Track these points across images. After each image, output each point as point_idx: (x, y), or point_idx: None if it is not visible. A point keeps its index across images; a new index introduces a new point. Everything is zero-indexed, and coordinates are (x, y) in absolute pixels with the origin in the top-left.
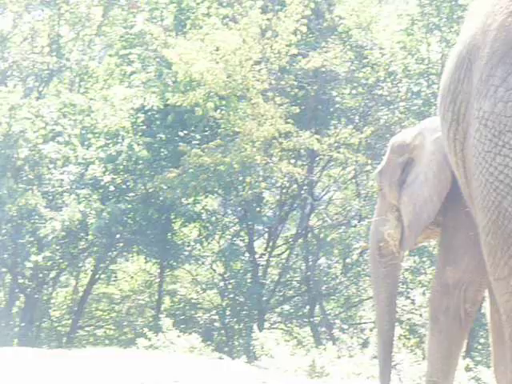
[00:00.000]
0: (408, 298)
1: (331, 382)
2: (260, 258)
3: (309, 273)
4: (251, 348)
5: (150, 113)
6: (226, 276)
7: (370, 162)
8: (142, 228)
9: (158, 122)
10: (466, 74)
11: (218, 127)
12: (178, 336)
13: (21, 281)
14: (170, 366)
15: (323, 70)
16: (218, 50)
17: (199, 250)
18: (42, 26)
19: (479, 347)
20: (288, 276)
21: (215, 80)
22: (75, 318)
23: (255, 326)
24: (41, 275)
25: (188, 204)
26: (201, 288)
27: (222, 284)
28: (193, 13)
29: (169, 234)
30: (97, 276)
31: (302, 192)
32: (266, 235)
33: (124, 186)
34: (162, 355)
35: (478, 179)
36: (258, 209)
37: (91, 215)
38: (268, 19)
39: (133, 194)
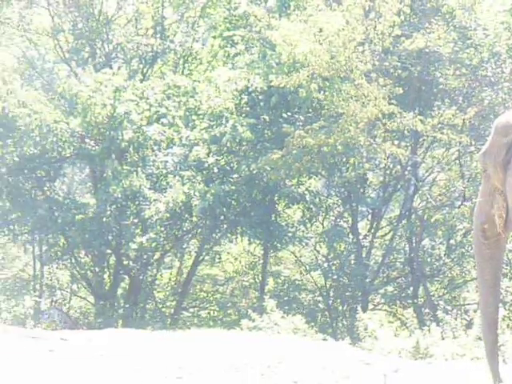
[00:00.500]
0: None
1: (435, 363)
2: (364, 239)
3: (412, 254)
4: (355, 329)
5: (253, 94)
6: (329, 257)
7: (473, 142)
8: (245, 209)
9: (261, 104)
10: None
11: (321, 108)
12: (282, 317)
13: (125, 262)
14: (274, 347)
15: (427, 50)
16: (321, 31)
17: (303, 231)
18: (146, 8)
19: None
20: (391, 257)
21: (319, 61)
22: (179, 300)
23: (359, 308)
24: (145, 257)
25: (292, 185)
26: (304, 269)
27: (325, 265)
28: None
29: (272, 216)
30: (201, 257)
31: (406, 173)
32: (370, 216)
33: (228, 168)
34: (265, 336)
35: None
36: (361, 190)
37: (195, 197)
38: (371, 0)
39: (237, 176)
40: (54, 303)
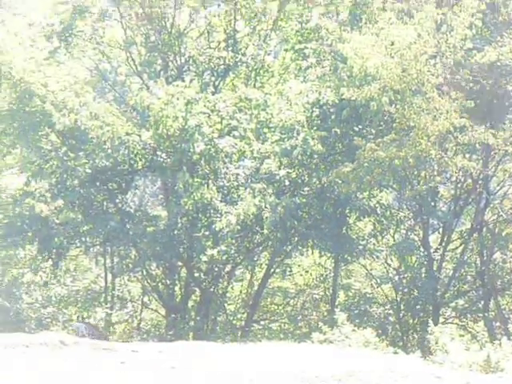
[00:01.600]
0: None
1: (506, 377)
2: (435, 252)
3: (483, 267)
4: (426, 343)
5: (325, 107)
6: (400, 270)
7: None
8: (316, 222)
9: (332, 117)
10: None
11: (392, 121)
12: (353, 330)
13: (196, 275)
14: (345, 360)
15: (498, 64)
16: (392, 44)
17: (374, 244)
18: (218, 21)
19: None
20: (462, 271)
21: (390, 74)
22: (250, 312)
23: (430, 321)
24: (216, 269)
25: (363, 198)
26: (375, 282)
27: (396, 278)
28: (368, 7)
29: (343, 229)
30: (272, 270)
31: (477, 186)
32: (441, 230)
33: (299, 181)
34: (336, 349)
35: None
36: (432, 203)
37: (266, 209)
38: (443, 13)
39: (308, 189)
40: (81, 318)
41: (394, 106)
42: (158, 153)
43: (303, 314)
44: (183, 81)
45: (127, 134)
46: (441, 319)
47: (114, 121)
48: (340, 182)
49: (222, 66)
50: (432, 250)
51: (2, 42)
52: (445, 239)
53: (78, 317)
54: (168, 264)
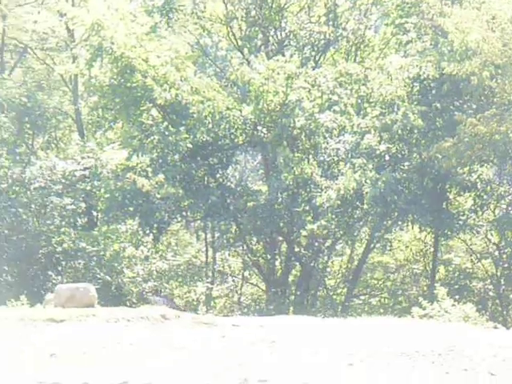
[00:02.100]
0: None
1: None
2: None
3: None
4: None
5: (425, 82)
6: (500, 245)
7: None
8: (416, 197)
9: (433, 91)
10: None
11: (493, 96)
12: (453, 305)
13: (296, 249)
14: (445, 335)
15: None
16: (494, 18)
17: (474, 219)
18: None
19: None
20: None
21: (491, 49)
22: (350, 287)
23: None
24: (316, 244)
25: (463, 173)
26: (475, 257)
27: (496, 253)
28: None
29: (443, 204)
30: (372, 245)
31: None
32: None
33: (399, 155)
34: (436, 324)
35: None
36: None
37: (366, 184)
38: None
39: (408, 163)
40: (158, 291)
41: (494, 80)
42: (259, 127)
43: (403, 288)
44: (284, 55)
45: (228, 108)
46: None
47: (215, 95)
48: (440, 156)
49: (323, 41)
50: None
51: (103, 18)
52: None
53: (156, 291)
54: (268, 238)
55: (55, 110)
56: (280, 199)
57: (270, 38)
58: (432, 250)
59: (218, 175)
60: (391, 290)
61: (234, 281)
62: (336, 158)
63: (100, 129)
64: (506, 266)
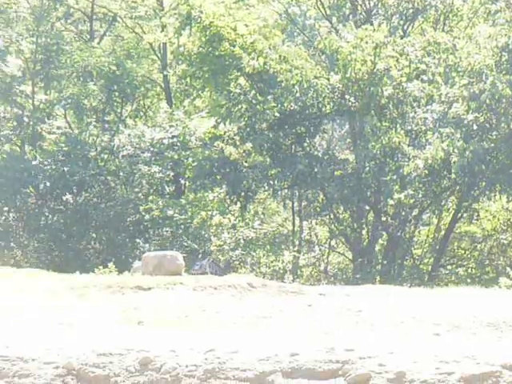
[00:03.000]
0: None
1: None
2: None
3: None
4: None
5: None
6: None
7: None
8: (504, 167)
9: None
10: None
11: None
12: None
13: (383, 219)
14: None
15: None
16: None
17: None
18: None
19: None
20: None
21: None
22: (437, 257)
23: None
24: (403, 213)
25: None
26: None
27: None
28: None
29: None
30: (459, 215)
31: None
32: None
33: (487, 125)
34: None
35: None
36: None
37: (454, 154)
38: None
39: (496, 133)
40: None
41: None
42: (346, 96)
43: (490, 258)
44: (372, 24)
45: (316, 77)
46: None
47: (303, 64)
48: None
49: (411, 10)
50: None
51: None
52: None
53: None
54: (355, 207)
55: (144, 78)
56: (367, 168)
57: (359, 7)
58: None
59: (305, 144)
60: (478, 260)
61: (320, 250)
62: (423, 128)
63: (188, 97)
64: None
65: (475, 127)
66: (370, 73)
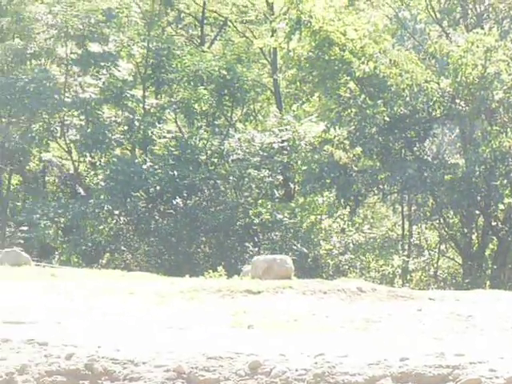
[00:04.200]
0: None
1: None
2: None
3: None
4: None
5: None
6: None
7: None
8: None
9: None
10: None
11: None
12: None
13: (493, 223)
14: None
15: None
16: None
17: None
18: None
19: None
20: None
21: None
22: None
23: None
24: None
25: None
26: None
27: None
28: None
29: None
30: None
31: None
32: None
33: None
34: None
35: None
36: None
37: None
38: None
39: None
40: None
41: None
42: (457, 100)
43: None
44: (482, 28)
45: (426, 81)
46: None
47: (413, 68)
48: None
49: None
50: None
51: None
52: None
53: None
54: (465, 212)
55: (254, 82)
56: (477, 173)
57: (469, 11)
58: None
59: (415, 148)
60: None
61: (430, 254)
62: None
63: (297, 101)
64: None
65: None
66: (481, 77)
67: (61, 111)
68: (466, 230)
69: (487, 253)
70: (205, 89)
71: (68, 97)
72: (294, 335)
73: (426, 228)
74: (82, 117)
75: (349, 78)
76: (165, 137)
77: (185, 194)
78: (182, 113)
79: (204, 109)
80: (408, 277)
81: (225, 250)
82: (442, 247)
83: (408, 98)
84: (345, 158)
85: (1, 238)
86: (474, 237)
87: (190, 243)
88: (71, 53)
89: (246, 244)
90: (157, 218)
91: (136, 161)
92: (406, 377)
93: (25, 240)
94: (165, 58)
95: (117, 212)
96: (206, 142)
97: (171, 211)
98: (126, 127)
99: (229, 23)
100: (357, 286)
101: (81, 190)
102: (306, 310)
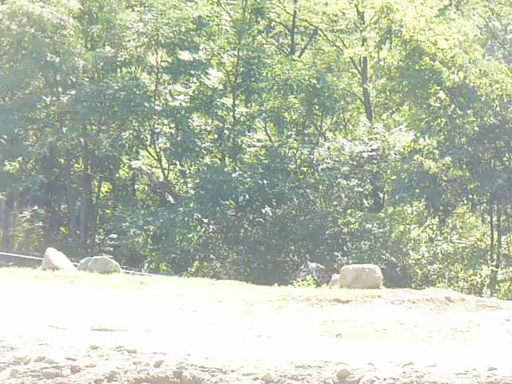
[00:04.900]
0: None
1: None
2: None
3: None
4: None
5: None
6: None
7: None
8: None
9: None
10: None
11: None
12: None
13: None
14: None
15: None
16: None
17: None
18: None
19: None
20: None
21: None
22: None
23: None
24: None
25: None
26: None
27: None
28: None
29: None
30: None
31: None
32: None
33: None
34: None
35: None
36: None
37: None
38: None
39: None
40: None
41: None
42: None
43: None
44: None
45: None
46: None
47: (503, 78)
48: None
49: None
50: None
51: (392, 1)
52: None
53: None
54: None
55: (344, 91)
56: None
57: None
58: None
59: (504, 158)
60: None
61: None
62: None
63: (387, 111)
64: None
65: None
66: None
67: (151, 119)
68: None
69: None
70: (295, 98)
71: (158, 105)
72: (383, 344)
73: None
74: (172, 125)
75: (439, 87)
76: (254, 145)
77: (274, 203)
78: (272, 121)
79: (294, 118)
80: (496, 287)
81: (314, 259)
82: None
83: (498, 108)
84: (434, 168)
85: (90, 245)
86: None
87: (278, 252)
88: (161, 61)
89: (335, 253)
90: (246, 226)
91: (225, 169)
92: None
93: (114, 247)
94: (255, 67)
95: (206, 220)
96: (295, 150)
97: (260, 220)
98: (215, 135)
99: (319, 32)
100: (445, 295)
101: (170, 198)
102: (395, 320)
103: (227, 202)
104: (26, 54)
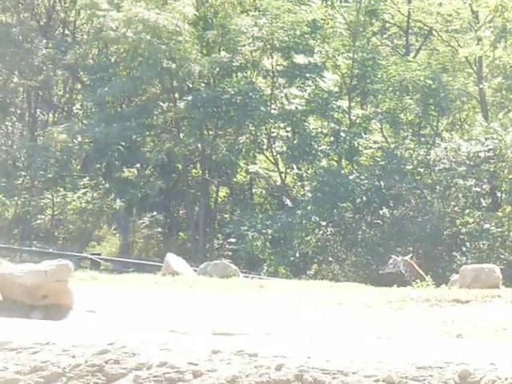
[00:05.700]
0: None
1: None
2: None
3: None
4: None
5: None
6: None
7: None
8: None
9: None
10: None
11: None
12: None
13: None
14: None
15: None
16: None
17: None
18: None
19: None
20: None
21: None
22: None
23: None
24: None
25: None
26: None
27: None
28: None
29: None
30: None
31: None
32: None
33: None
34: None
35: None
36: None
37: None
38: None
39: None
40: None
41: None
42: None
43: None
44: None
45: None
46: None
47: None
48: None
49: None
50: None
51: None
52: None
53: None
54: None
55: (459, 91)
56: None
57: None
58: None
59: None
60: None
61: None
62: None
63: (503, 109)
64: None
65: None
66: None
67: (267, 123)
68: None
69: None
70: (410, 98)
71: (274, 108)
72: (504, 344)
73: None
74: (289, 128)
75: None
76: (371, 147)
77: (391, 204)
78: (388, 123)
79: (410, 118)
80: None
81: (432, 260)
82: None
83: None
84: None
85: (209, 250)
86: None
87: (397, 253)
88: (277, 64)
89: (454, 253)
90: (364, 228)
91: (342, 172)
92: None
93: (233, 252)
94: (370, 69)
95: (324, 223)
96: (412, 151)
97: (378, 221)
98: (331, 138)
99: (434, 32)
100: None
101: (288, 202)
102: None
103: (344, 205)
104: (143, 60)
